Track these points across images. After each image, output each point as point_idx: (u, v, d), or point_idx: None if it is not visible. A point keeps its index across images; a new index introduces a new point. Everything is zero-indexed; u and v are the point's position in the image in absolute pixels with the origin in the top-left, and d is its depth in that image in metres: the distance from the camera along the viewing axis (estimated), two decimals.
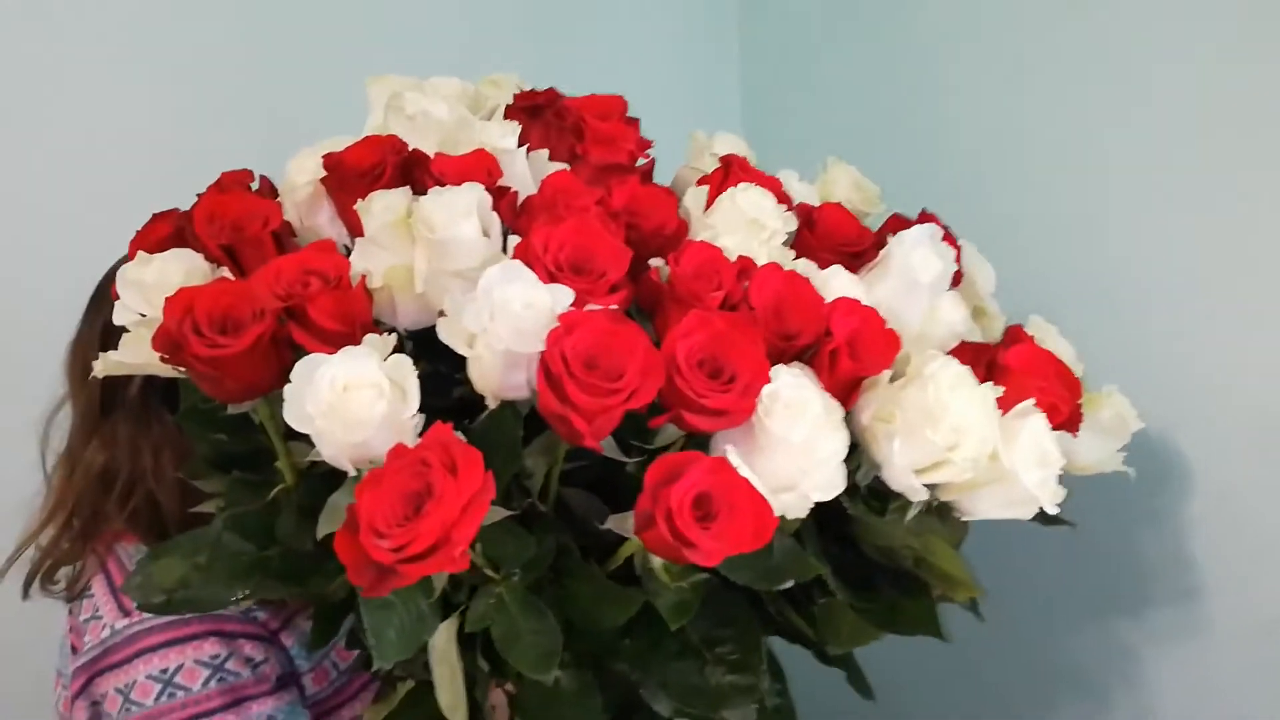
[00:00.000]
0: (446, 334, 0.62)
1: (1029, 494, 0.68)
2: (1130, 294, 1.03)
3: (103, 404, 0.95)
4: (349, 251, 0.76)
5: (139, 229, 0.71)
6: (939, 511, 0.75)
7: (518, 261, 0.64)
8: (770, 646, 0.86)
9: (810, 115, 1.39)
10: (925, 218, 0.88)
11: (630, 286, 0.69)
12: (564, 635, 0.71)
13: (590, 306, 0.65)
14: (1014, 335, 0.80)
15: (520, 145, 0.89)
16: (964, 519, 0.74)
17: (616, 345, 0.61)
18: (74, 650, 0.97)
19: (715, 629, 0.74)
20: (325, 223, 0.75)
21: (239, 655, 0.93)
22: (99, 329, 0.98)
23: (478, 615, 0.70)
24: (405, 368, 0.60)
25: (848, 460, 0.72)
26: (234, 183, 0.74)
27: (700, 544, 0.56)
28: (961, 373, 0.67)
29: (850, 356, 0.67)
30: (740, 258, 0.71)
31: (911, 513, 0.72)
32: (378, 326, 0.68)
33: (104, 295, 0.99)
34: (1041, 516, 0.88)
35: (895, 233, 0.85)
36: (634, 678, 0.75)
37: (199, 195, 0.76)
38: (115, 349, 0.99)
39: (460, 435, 0.67)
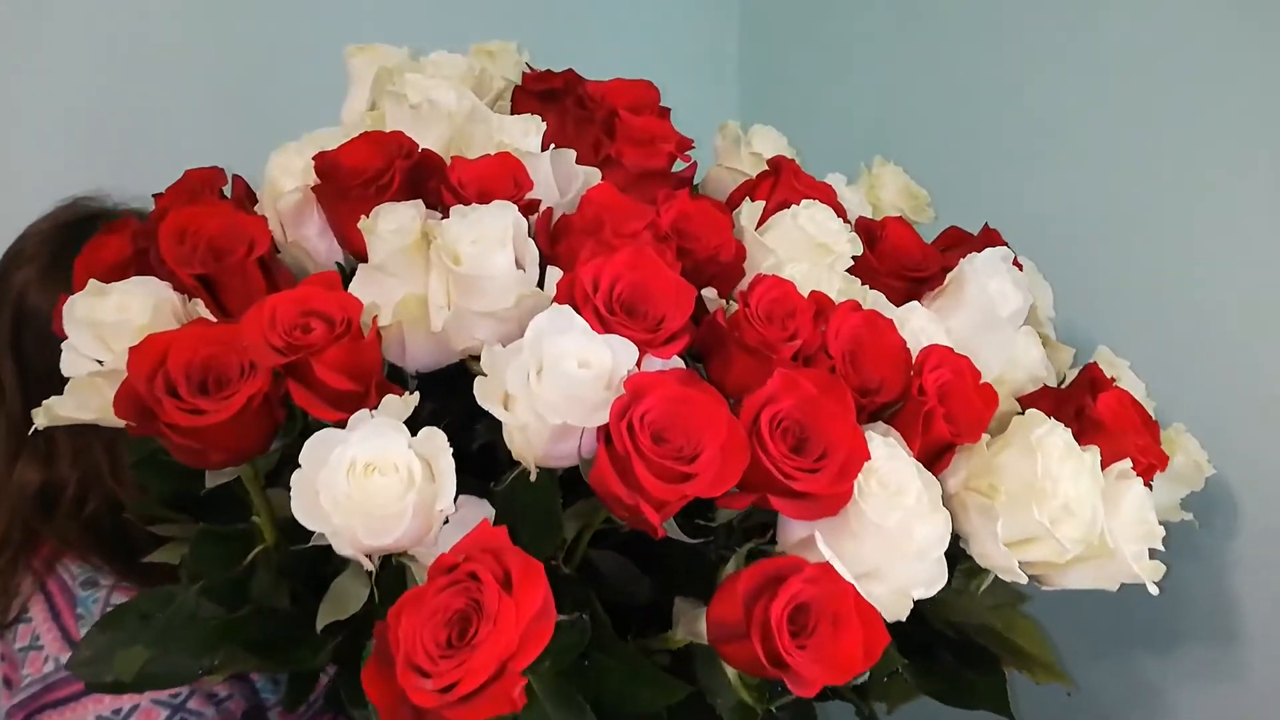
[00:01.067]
0: (484, 397, 0.51)
1: (1129, 571, 0.61)
2: (1176, 312, 0.95)
3: (28, 417, 0.82)
4: (344, 270, 0.64)
5: (87, 245, 0.58)
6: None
7: (567, 308, 0.53)
8: None
9: (814, 97, 1.28)
10: (989, 235, 0.79)
11: (691, 331, 0.58)
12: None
13: (647, 361, 0.55)
14: (1093, 378, 0.72)
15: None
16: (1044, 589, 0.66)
17: (691, 416, 0.50)
18: (7, 684, 0.87)
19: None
20: (314, 235, 0.63)
21: (201, 692, 0.84)
22: (6, 333, 0.85)
23: None
24: (438, 443, 0.49)
25: None
26: (203, 185, 0.61)
27: (800, 669, 0.47)
28: (1069, 440, 0.59)
29: (946, 420, 0.58)
30: (813, 294, 0.61)
31: (986, 582, 0.64)
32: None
33: (2, 295, 0.86)
34: None
35: (957, 250, 0.76)
36: None
37: (157, 197, 0.63)
38: (32, 355, 0.86)
39: (486, 504, 0.57)
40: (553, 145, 0.68)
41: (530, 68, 0.79)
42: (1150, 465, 0.65)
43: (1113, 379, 0.72)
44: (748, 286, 0.59)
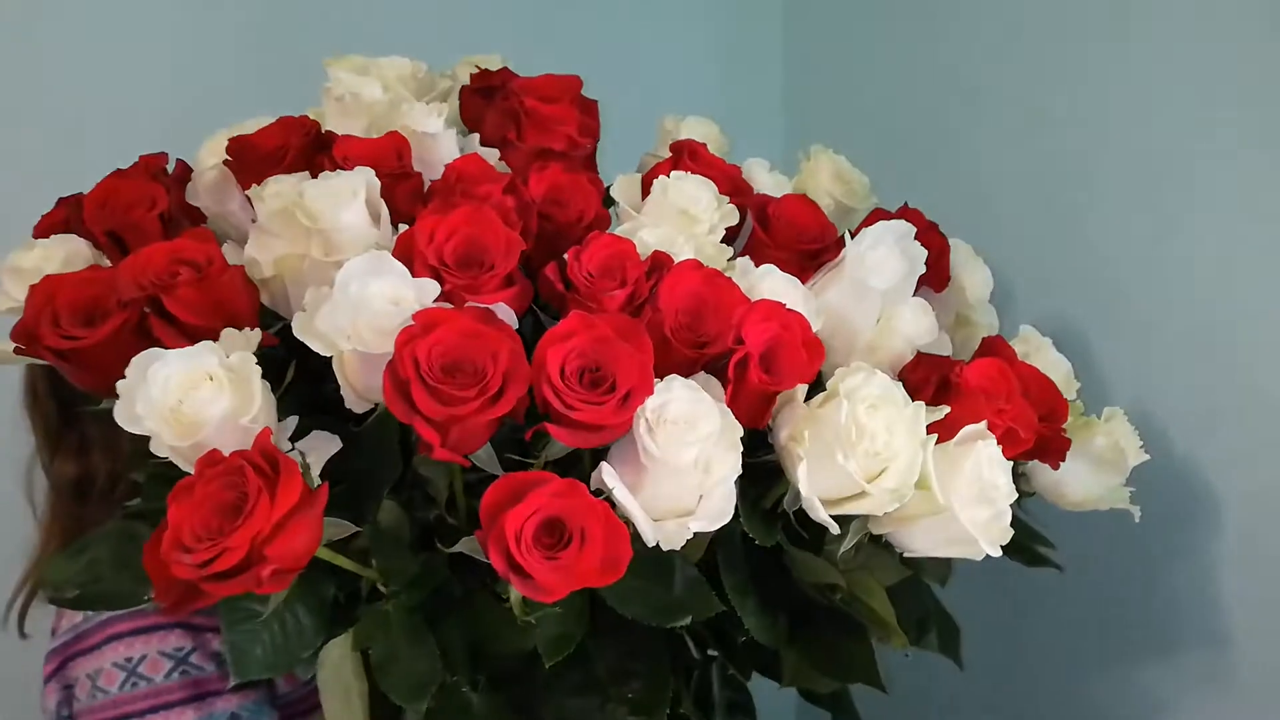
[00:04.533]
0: (302, 331, 0.57)
1: (965, 533, 0.60)
2: (1164, 306, 0.90)
3: (61, 416, 0.94)
4: None
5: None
6: (887, 546, 0.67)
7: (384, 253, 0.59)
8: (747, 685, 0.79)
9: (858, 95, 1.29)
10: (905, 213, 0.79)
11: (526, 282, 0.63)
12: (476, 656, 0.67)
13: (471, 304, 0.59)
14: (987, 347, 0.71)
15: (472, 131, 0.84)
16: (905, 554, 0.65)
17: (477, 348, 0.55)
18: (52, 633, 0.98)
19: (626, 661, 0.67)
20: (237, 209, 0.72)
21: (205, 650, 0.91)
22: None
23: (363, 633, 0.66)
24: (248, 366, 0.55)
25: (775, 483, 0.65)
26: (146, 167, 0.71)
27: (539, 576, 0.50)
28: (886, 389, 0.59)
29: (762, 367, 0.60)
30: (655, 253, 0.64)
31: (844, 546, 0.64)
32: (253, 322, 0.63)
33: None
34: (1028, 557, 0.78)
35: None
36: (538, 710, 0.69)
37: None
38: None
39: (336, 440, 0.62)
40: (455, 130, 0.74)
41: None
42: (1011, 430, 0.63)
43: (1013, 353, 0.71)
44: (583, 243, 0.63)
